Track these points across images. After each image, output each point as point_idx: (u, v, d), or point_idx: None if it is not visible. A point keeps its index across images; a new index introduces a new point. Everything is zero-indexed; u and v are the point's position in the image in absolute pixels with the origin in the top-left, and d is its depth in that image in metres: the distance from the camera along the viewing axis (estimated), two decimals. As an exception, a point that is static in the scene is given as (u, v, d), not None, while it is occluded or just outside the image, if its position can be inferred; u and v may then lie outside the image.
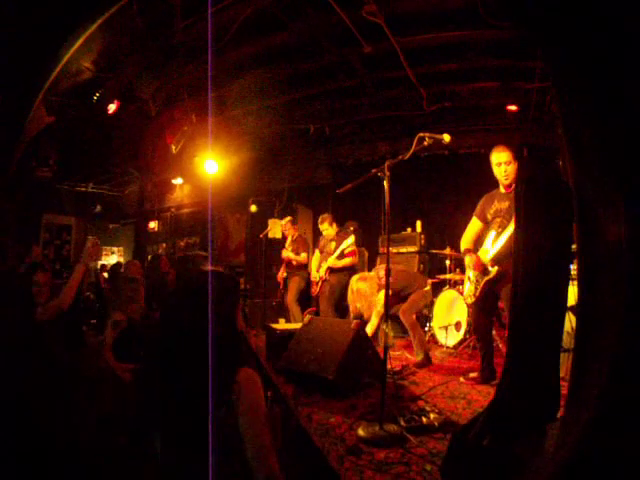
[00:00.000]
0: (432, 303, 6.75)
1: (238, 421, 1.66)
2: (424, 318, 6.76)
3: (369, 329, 5.14)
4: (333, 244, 6.56)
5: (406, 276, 5.68)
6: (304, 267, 7.32)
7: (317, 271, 6.66)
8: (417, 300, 5.37)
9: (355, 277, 5.44)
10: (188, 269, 3.39)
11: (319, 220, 6.81)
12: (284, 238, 7.77)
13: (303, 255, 7.25)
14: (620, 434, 1.48)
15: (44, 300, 3.43)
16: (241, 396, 1.68)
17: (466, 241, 4.64)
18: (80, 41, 2.50)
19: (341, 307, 6.66)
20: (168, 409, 1.70)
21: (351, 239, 6.32)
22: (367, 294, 5.19)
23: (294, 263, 7.31)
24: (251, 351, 5.41)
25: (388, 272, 3.36)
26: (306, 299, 7.20)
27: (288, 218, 7.74)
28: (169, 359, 1.75)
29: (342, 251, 6.41)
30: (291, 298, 7.12)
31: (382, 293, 5.08)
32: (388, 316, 3.39)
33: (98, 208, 13.17)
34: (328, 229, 6.68)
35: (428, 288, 5.61)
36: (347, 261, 6.47)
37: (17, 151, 2.31)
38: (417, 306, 5.46)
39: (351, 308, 5.44)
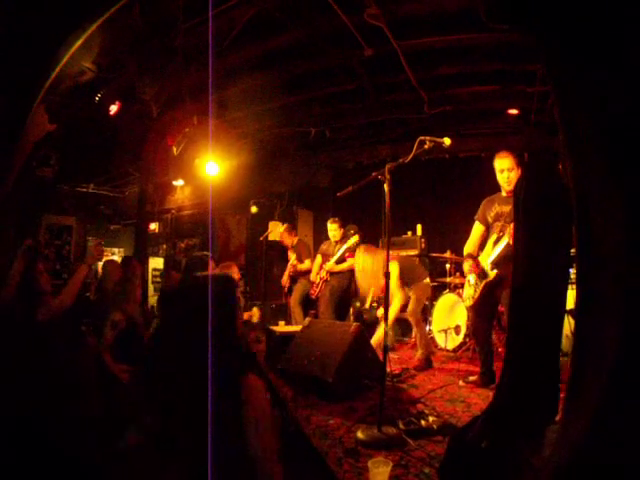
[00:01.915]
0: (432, 306, 6.77)
1: (243, 427, 1.65)
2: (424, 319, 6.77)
3: (375, 338, 5.05)
4: (337, 247, 6.57)
5: (410, 263, 5.70)
6: (309, 272, 7.31)
7: (317, 273, 6.67)
8: (420, 297, 5.35)
9: (361, 248, 5.35)
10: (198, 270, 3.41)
11: (330, 220, 6.82)
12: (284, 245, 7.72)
13: (307, 262, 7.22)
14: (621, 437, 1.48)
15: (45, 289, 3.42)
16: (248, 403, 1.67)
17: (470, 246, 4.65)
18: (80, 42, 2.49)
19: (341, 309, 6.67)
20: (170, 414, 1.69)
21: (354, 239, 6.31)
22: (370, 271, 5.11)
23: (298, 270, 7.30)
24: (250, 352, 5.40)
25: (388, 276, 3.36)
26: (309, 302, 7.20)
27: (284, 226, 7.68)
28: (171, 365, 1.75)
29: (344, 252, 6.41)
30: (295, 300, 7.12)
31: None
32: (387, 317, 3.39)
33: (103, 209, 13.21)
34: (337, 231, 6.69)
35: (428, 280, 5.59)
36: (346, 265, 6.48)
37: (17, 156, 2.29)
38: (421, 302, 5.46)
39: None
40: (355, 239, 6.27)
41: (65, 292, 3.42)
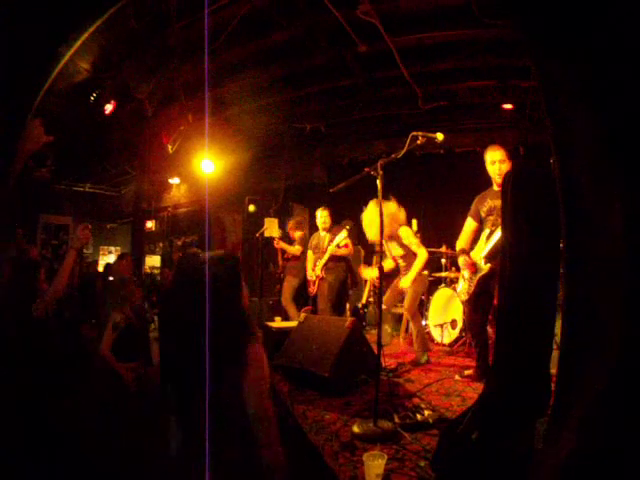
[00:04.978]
0: (428, 300, 6.79)
1: (244, 390, 1.79)
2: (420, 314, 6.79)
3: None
4: (327, 238, 6.55)
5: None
6: (298, 263, 7.29)
7: (313, 270, 6.65)
8: (416, 290, 5.30)
9: (372, 202, 5.15)
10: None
11: (321, 207, 6.79)
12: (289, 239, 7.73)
13: (297, 247, 7.23)
14: (622, 435, 1.49)
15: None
16: (247, 372, 1.81)
17: (462, 242, 4.65)
18: (79, 43, 2.50)
19: (339, 306, 6.69)
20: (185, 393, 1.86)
21: (344, 233, 6.32)
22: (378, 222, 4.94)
23: (287, 255, 7.34)
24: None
25: (382, 271, 3.38)
26: (301, 297, 7.22)
27: (298, 219, 7.76)
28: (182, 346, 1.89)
29: (337, 244, 6.42)
30: (286, 298, 7.12)
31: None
32: (381, 314, 3.41)
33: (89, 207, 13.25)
34: (327, 218, 6.65)
35: (426, 273, 5.55)
36: (344, 251, 6.48)
37: (13, 164, 2.28)
38: (418, 296, 5.41)
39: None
40: (345, 233, 6.30)
41: (56, 280, 3.38)
